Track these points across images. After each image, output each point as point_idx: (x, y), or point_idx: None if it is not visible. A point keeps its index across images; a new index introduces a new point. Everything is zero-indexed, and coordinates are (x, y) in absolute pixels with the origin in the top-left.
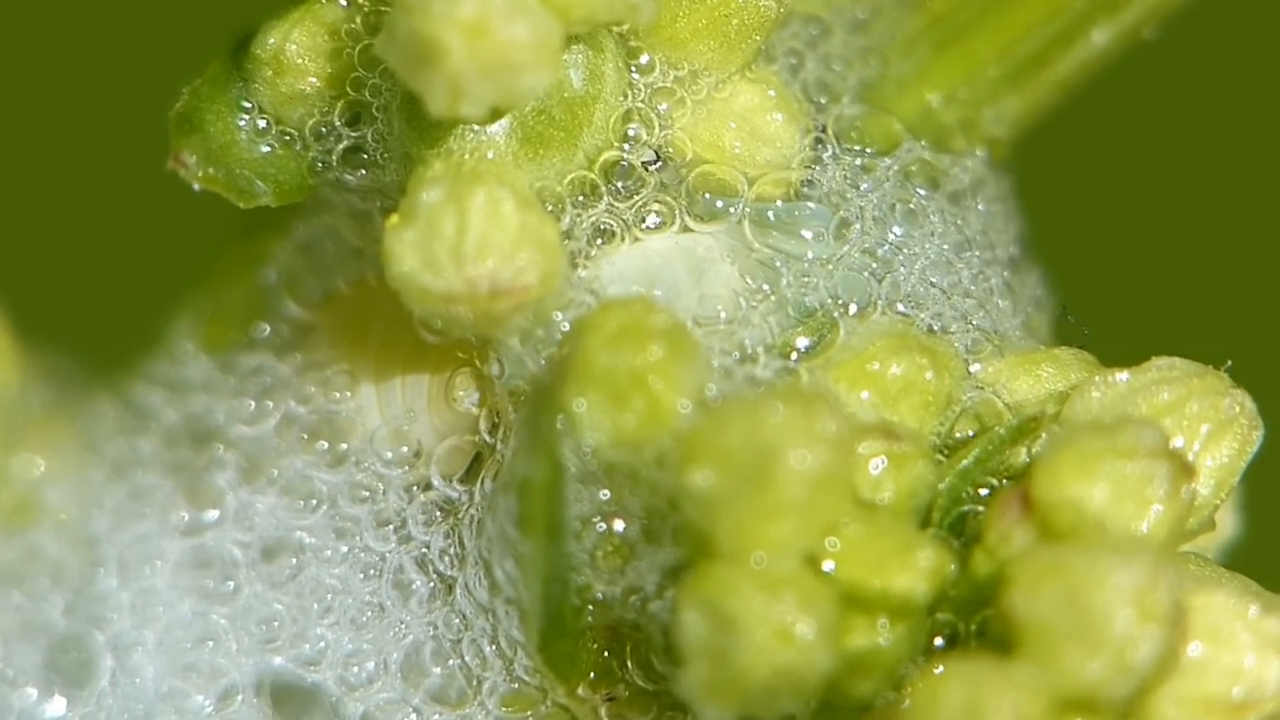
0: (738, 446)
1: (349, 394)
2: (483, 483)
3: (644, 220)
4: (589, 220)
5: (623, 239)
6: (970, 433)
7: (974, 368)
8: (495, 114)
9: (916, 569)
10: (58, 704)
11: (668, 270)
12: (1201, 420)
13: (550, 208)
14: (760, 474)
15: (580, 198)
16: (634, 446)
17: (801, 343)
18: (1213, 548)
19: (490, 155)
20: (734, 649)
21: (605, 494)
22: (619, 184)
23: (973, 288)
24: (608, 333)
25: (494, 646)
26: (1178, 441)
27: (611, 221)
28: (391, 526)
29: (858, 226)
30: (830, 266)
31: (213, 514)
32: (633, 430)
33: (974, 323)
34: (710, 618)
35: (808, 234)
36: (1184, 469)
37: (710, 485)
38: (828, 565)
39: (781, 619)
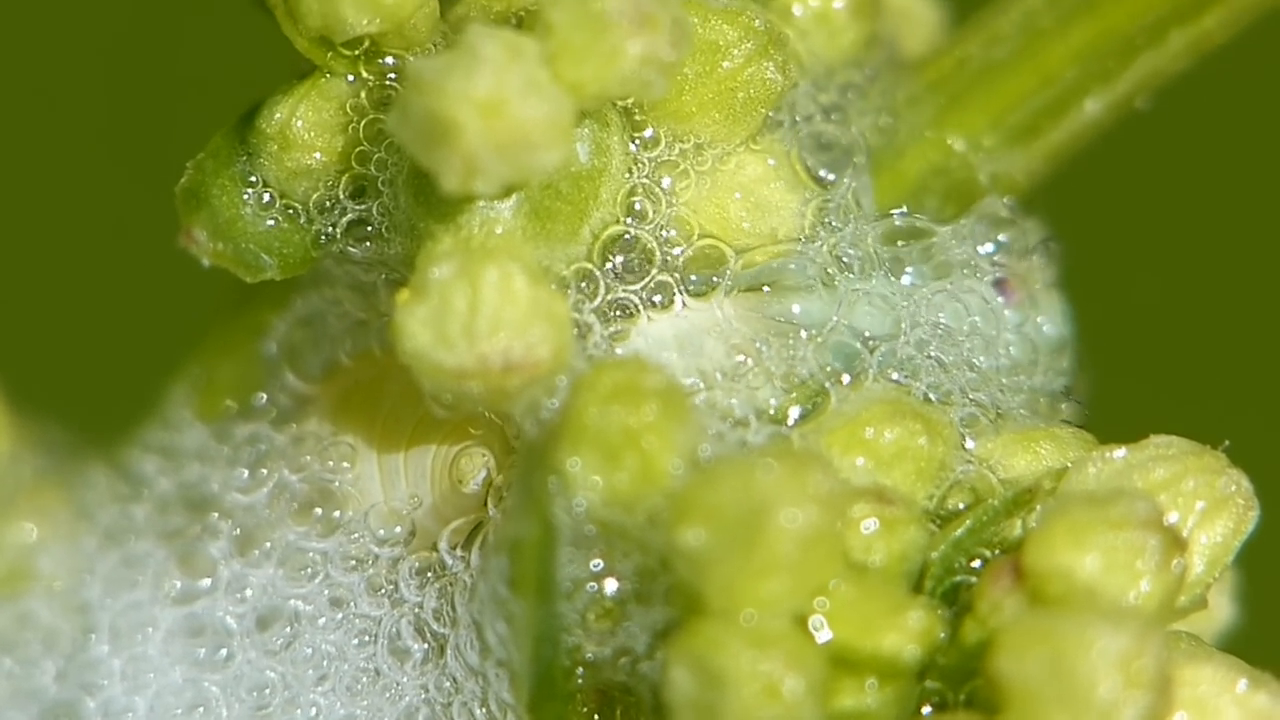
0: (729, 505)
1: (347, 465)
2: (477, 547)
3: (653, 300)
4: (594, 305)
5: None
6: (964, 505)
7: (969, 444)
8: (506, 190)
9: (906, 630)
10: None
11: (661, 351)
12: (1196, 497)
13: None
14: (751, 532)
15: (583, 284)
16: (626, 505)
17: (794, 411)
18: (1208, 634)
19: (499, 230)
20: (721, 705)
21: (597, 553)
22: (621, 259)
23: (975, 361)
24: (601, 392)
25: (484, 709)
26: (1172, 517)
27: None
28: (384, 592)
29: (854, 288)
30: (820, 338)
31: (205, 582)
32: (625, 489)
33: (970, 397)
34: (699, 674)
35: (797, 307)
36: (1175, 542)
37: (701, 543)
38: (817, 625)
39: (769, 675)
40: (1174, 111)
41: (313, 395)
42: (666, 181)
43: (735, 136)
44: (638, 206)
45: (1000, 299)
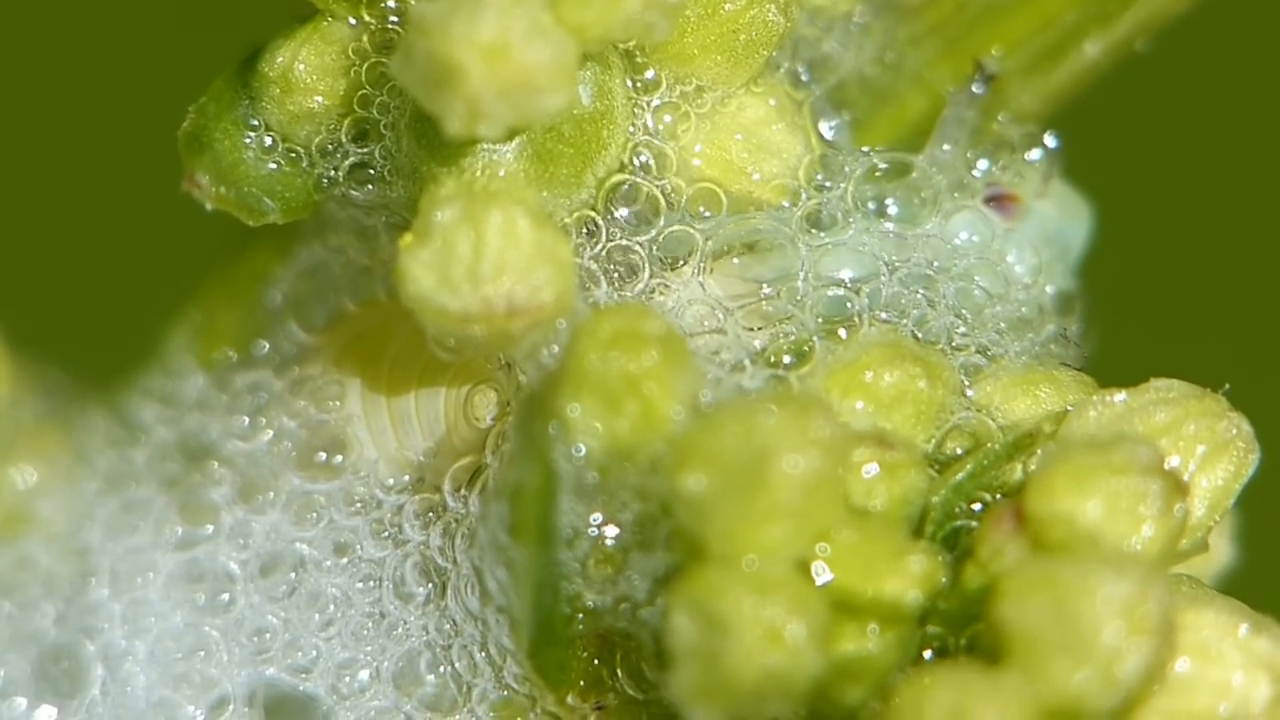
0: (731, 450)
1: (351, 411)
2: (478, 491)
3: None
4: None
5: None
6: (964, 449)
7: (970, 393)
8: (510, 134)
9: (907, 574)
10: (47, 713)
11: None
12: (1198, 441)
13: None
14: (753, 478)
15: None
16: (627, 452)
17: (786, 359)
18: (1207, 575)
19: (502, 173)
20: (723, 650)
21: (597, 500)
22: (623, 210)
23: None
24: (602, 338)
25: (484, 653)
26: (1173, 461)
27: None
28: (388, 535)
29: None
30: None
31: (207, 528)
32: (626, 435)
33: (972, 342)
34: (700, 619)
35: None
36: (1178, 487)
37: (703, 489)
38: (819, 570)
39: (771, 621)
40: (1174, 54)
41: (316, 344)
42: (669, 120)
43: (737, 79)
44: (640, 157)
45: (996, 214)
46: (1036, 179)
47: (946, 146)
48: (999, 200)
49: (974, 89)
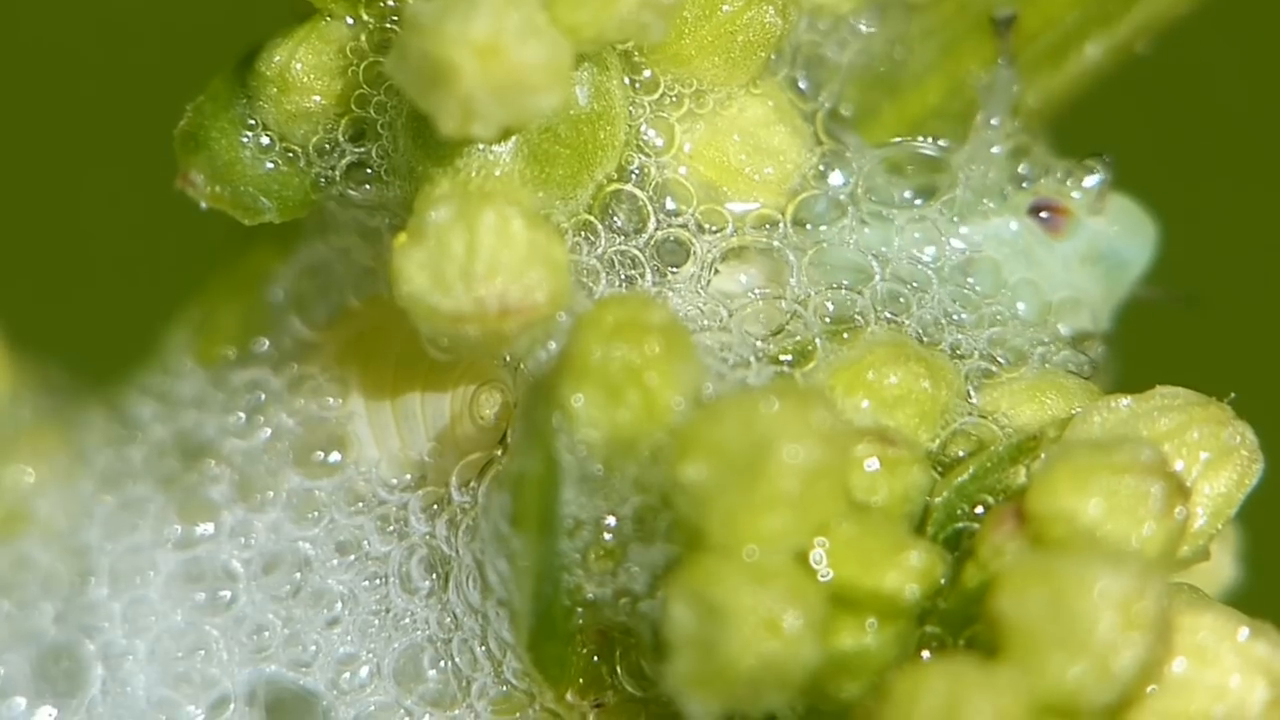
0: (732, 440)
1: (354, 410)
2: (482, 483)
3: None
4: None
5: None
6: (967, 452)
7: (974, 400)
8: (505, 134)
9: (906, 569)
10: (47, 713)
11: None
12: (1201, 448)
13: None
14: (753, 467)
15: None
16: (629, 442)
17: (789, 357)
18: (1210, 592)
19: (498, 173)
20: (721, 639)
21: (599, 491)
22: (623, 213)
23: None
24: (604, 328)
25: (484, 648)
26: (1177, 466)
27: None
28: (393, 530)
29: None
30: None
31: (207, 527)
32: (628, 425)
33: (978, 347)
34: (698, 608)
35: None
36: (1179, 489)
37: (703, 478)
38: (818, 561)
39: (769, 610)
40: (1175, 56)
41: (317, 341)
42: (667, 122)
43: (735, 80)
44: (636, 162)
45: (1041, 227)
46: (1091, 194)
47: (994, 120)
48: (1048, 211)
49: (1001, 51)
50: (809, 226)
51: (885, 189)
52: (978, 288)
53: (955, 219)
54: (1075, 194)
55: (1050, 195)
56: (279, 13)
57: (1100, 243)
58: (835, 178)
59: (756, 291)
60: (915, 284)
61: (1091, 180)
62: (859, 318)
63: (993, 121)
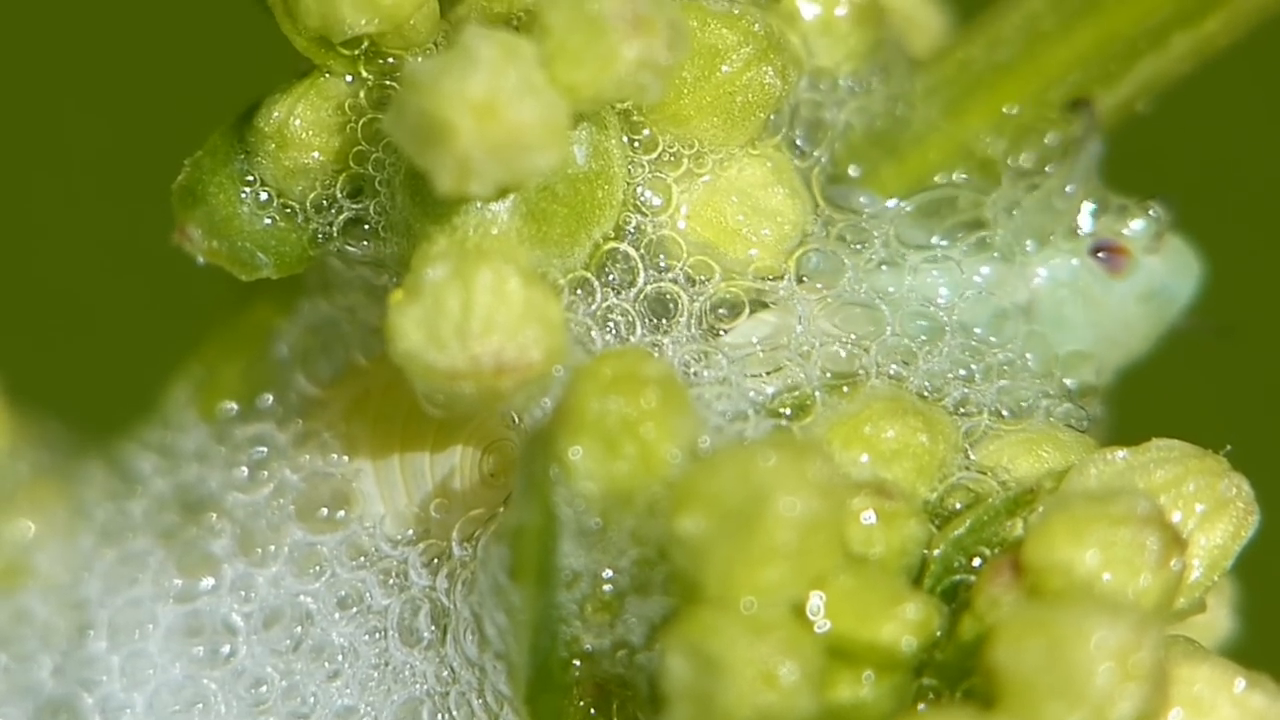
0: (728, 492)
1: (359, 467)
2: (479, 538)
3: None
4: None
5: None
6: (962, 505)
7: (972, 455)
8: (502, 192)
9: (903, 621)
10: None
11: None
12: (1197, 500)
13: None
14: (750, 519)
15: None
16: (626, 494)
17: (788, 410)
18: (1207, 645)
19: (494, 232)
20: (718, 691)
21: (597, 544)
22: (618, 271)
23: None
24: (601, 381)
25: (481, 700)
26: (1173, 517)
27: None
28: (394, 583)
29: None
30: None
31: (207, 581)
32: (625, 478)
33: (975, 402)
34: (695, 661)
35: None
36: (1175, 540)
37: (699, 531)
38: (815, 613)
39: (766, 662)
40: (1176, 115)
41: (323, 398)
42: (664, 184)
43: (734, 141)
44: (633, 222)
45: (1103, 268)
46: (1149, 234)
47: (1070, 187)
48: (1107, 252)
49: (1086, 127)
50: (809, 283)
51: (912, 235)
52: (1038, 329)
53: (1006, 258)
54: (1125, 232)
55: (1109, 235)
56: (279, 68)
57: (1154, 281)
58: (834, 236)
59: (757, 344)
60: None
61: (1139, 221)
62: (861, 373)
63: (1068, 189)
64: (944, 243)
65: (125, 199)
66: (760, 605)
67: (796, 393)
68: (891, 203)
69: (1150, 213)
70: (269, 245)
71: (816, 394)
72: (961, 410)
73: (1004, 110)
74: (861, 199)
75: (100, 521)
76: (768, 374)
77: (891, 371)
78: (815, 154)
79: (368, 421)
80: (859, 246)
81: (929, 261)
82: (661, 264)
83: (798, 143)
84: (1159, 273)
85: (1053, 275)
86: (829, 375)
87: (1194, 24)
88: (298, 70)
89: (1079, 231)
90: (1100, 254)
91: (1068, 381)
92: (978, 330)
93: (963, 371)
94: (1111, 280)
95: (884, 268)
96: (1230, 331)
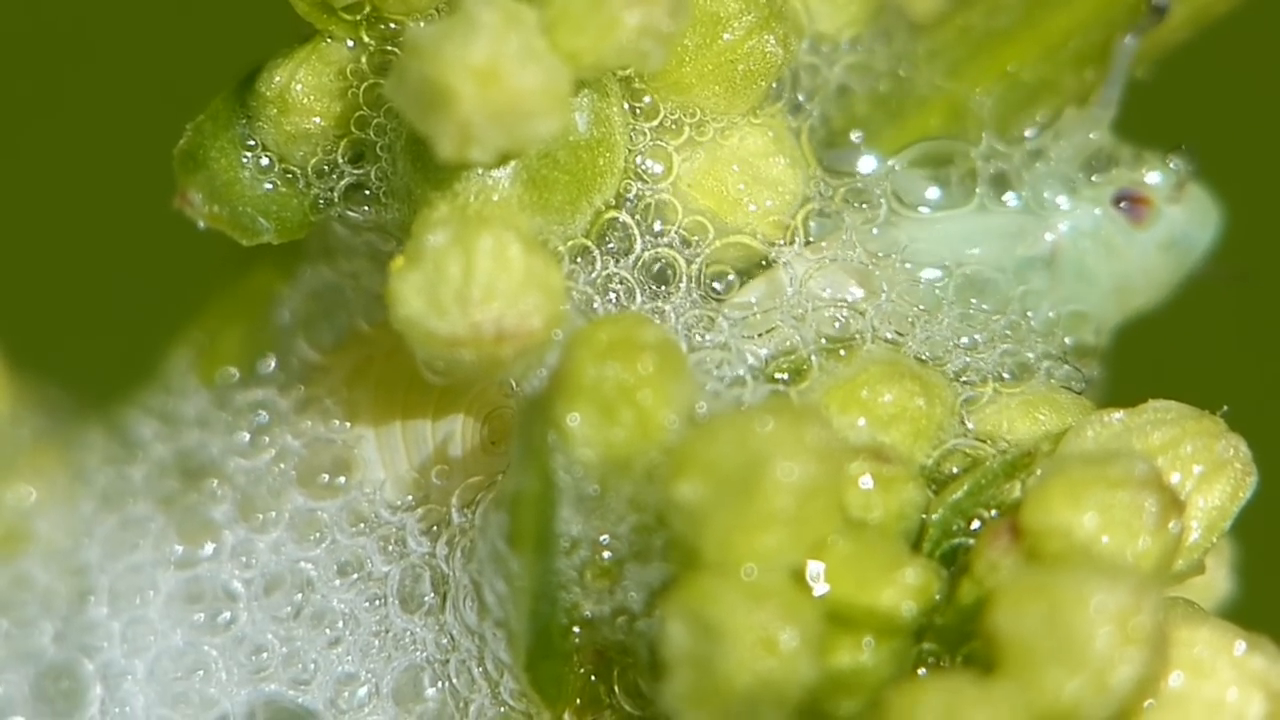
0: (726, 458)
1: (365, 432)
2: (478, 505)
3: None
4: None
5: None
6: (960, 469)
7: (970, 423)
8: (503, 158)
9: (902, 585)
10: None
11: None
12: (1194, 461)
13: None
14: (747, 485)
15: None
16: (624, 461)
17: (784, 375)
18: (1205, 606)
19: (496, 198)
20: (717, 657)
21: (595, 510)
22: (617, 239)
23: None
24: (598, 346)
25: (481, 668)
26: (1171, 479)
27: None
28: (393, 549)
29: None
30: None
31: (208, 547)
32: (622, 444)
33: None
34: (694, 626)
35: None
36: (1173, 502)
37: (698, 497)
38: (814, 578)
39: (765, 628)
40: (1175, 82)
41: (325, 364)
42: (665, 152)
43: (736, 109)
44: (633, 189)
45: (1126, 217)
46: (1171, 184)
47: (1110, 98)
48: (1130, 201)
49: (1137, 29)
50: (806, 245)
51: (911, 190)
52: (1062, 279)
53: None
54: (1147, 181)
55: (1131, 185)
56: (280, 33)
57: (1175, 230)
58: (833, 199)
59: (755, 306)
60: (909, 300)
61: (1157, 173)
62: (858, 337)
63: (1109, 94)
64: (957, 199)
65: (126, 163)
66: (759, 571)
67: (794, 356)
68: (895, 162)
69: (1171, 164)
70: (270, 210)
71: (813, 359)
72: (963, 378)
73: (1009, 69)
74: (864, 159)
75: (101, 487)
76: (762, 335)
77: (888, 337)
78: (813, 113)
79: (369, 388)
80: (862, 205)
81: (944, 218)
82: (659, 230)
83: (800, 102)
84: (1180, 221)
85: (1075, 226)
86: (824, 341)
87: None
88: (299, 35)
89: (1102, 178)
90: (1123, 204)
91: (1068, 340)
92: (1000, 282)
93: (964, 340)
94: (1134, 230)
95: (890, 226)
96: (1244, 277)
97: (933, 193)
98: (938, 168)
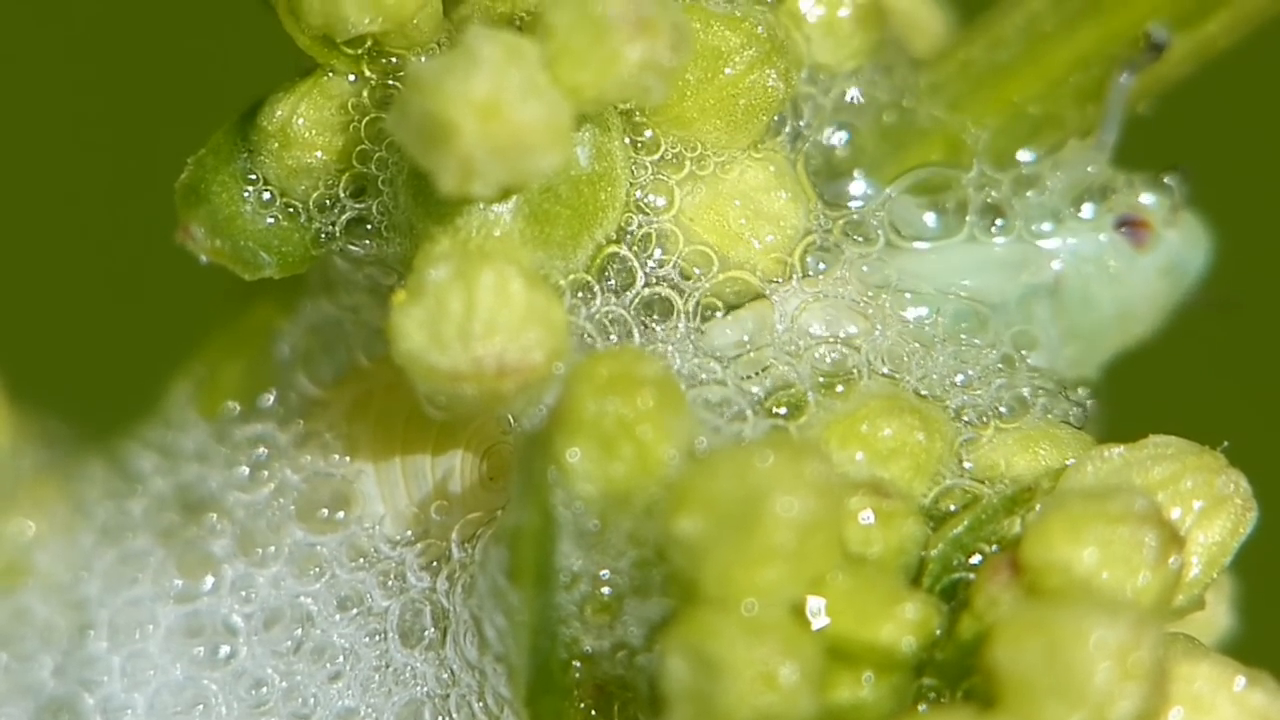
0: (726, 493)
1: (365, 466)
2: (478, 540)
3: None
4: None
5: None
6: (958, 506)
7: (969, 461)
8: (505, 193)
9: (902, 621)
10: None
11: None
12: (1195, 497)
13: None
14: (747, 520)
15: (581, 293)
16: (624, 496)
17: (783, 410)
18: (1206, 641)
19: (497, 233)
20: (717, 692)
21: (595, 545)
22: (616, 274)
23: (983, 362)
24: (597, 381)
25: (481, 703)
26: (1171, 515)
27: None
28: (393, 584)
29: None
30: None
31: (208, 580)
32: (622, 479)
33: (970, 398)
34: (695, 662)
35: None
36: (1173, 538)
37: (698, 532)
38: (814, 613)
39: (765, 662)
40: (1177, 117)
41: (325, 399)
42: (667, 186)
43: (737, 143)
44: (635, 224)
45: (1127, 241)
46: (1167, 207)
47: (1109, 134)
48: (1131, 226)
49: (1133, 66)
50: (817, 272)
51: (909, 220)
52: (1066, 307)
53: (1032, 233)
54: (1144, 204)
55: (1130, 210)
56: (282, 67)
57: (1173, 254)
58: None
59: (748, 343)
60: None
61: (1151, 196)
62: (855, 372)
63: (1107, 129)
64: (954, 228)
65: (127, 197)
66: (759, 606)
67: (792, 391)
68: (891, 190)
69: (1166, 185)
70: (271, 244)
71: (809, 394)
72: (964, 417)
73: (1013, 101)
74: (863, 190)
75: (101, 520)
76: (758, 373)
77: (884, 371)
78: (812, 143)
79: (369, 422)
80: (860, 239)
81: (946, 247)
82: (660, 264)
83: (800, 131)
84: (1176, 245)
85: (1078, 252)
86: (821, 378)
87: (1194, 26)
88: (301, 69)
89: (1101, 204)
90: (1124, 228)
91: (1069, 372)
92: (1002, 313)
93: (960, 378)
94: (1135, 254)
95: (887, 259)
96: (1233, 306)
97: (930, 220)
98: (935, 194)
